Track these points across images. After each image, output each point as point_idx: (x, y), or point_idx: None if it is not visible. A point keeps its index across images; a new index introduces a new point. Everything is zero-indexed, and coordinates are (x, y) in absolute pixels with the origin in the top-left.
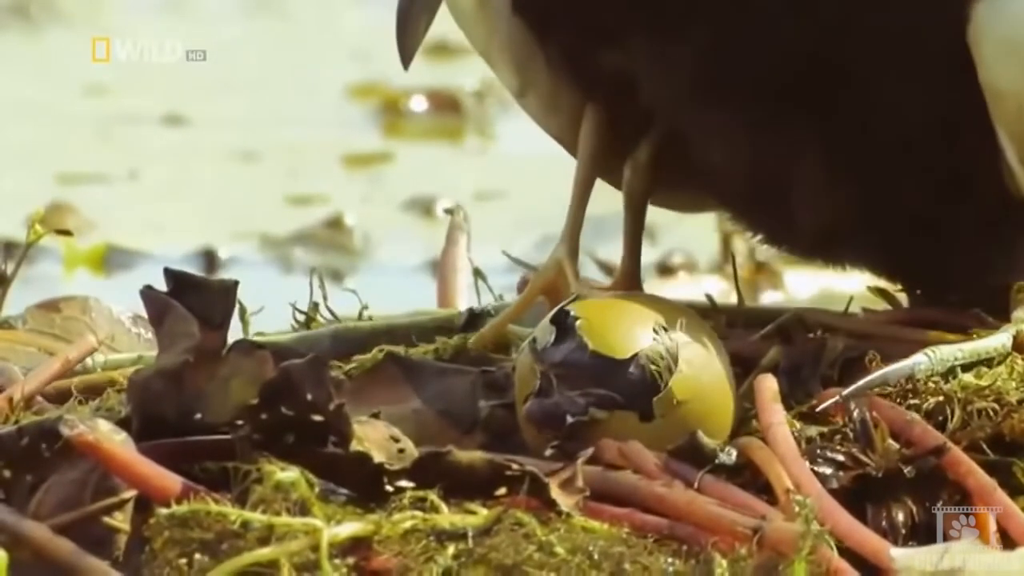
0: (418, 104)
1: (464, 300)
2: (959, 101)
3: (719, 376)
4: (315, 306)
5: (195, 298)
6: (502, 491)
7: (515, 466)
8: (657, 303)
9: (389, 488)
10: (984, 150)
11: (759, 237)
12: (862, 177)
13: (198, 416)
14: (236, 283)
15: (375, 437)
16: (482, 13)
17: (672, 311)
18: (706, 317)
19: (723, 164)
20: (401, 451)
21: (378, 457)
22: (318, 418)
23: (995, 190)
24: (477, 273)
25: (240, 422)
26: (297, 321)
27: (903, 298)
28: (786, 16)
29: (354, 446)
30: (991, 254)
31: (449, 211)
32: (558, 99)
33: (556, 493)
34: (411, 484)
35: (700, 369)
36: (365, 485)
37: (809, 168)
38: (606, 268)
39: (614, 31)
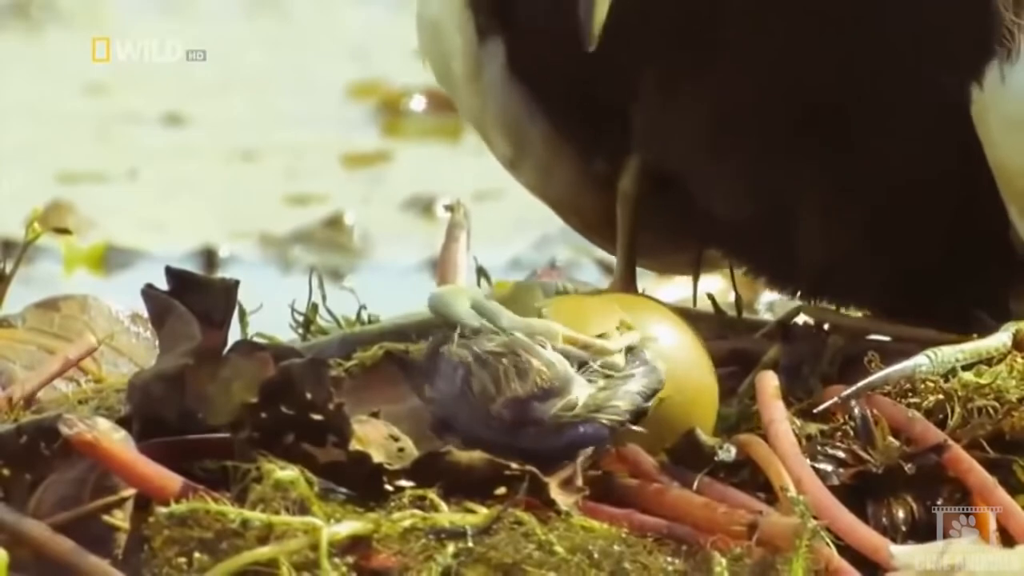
0: (417, 104)
1: None
2: (965, 160)
3: (694, 365)
4: (314, 307)
5: (196, 297)
6: (501, 490)
7: (514, 465)
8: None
9: (389, 487)
10: (989, 208)
11: (762, 278)
12: (866, 220)
13: (199, 418)
14: (237, 282)
15: (374, 436)
16: (475, 86)
17: (643, 308)
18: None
19: (727, 206)
20: (401, 450)
21: (377, 457)
22: (318, 417)
23: (999, 247)
24: (480, 272)
25: (241, 423)
26: (296, 322)
27: None
28: (793, 66)
29: (353, 445)
30: (992, 303)
31: (449, 208)
32: (554, 168)
33: (556, 493)
34: (411, 484)
35: (674, 363)
36: (365, 484)
37: (813, 210)
38: (605, 268)
39: (620, 77)
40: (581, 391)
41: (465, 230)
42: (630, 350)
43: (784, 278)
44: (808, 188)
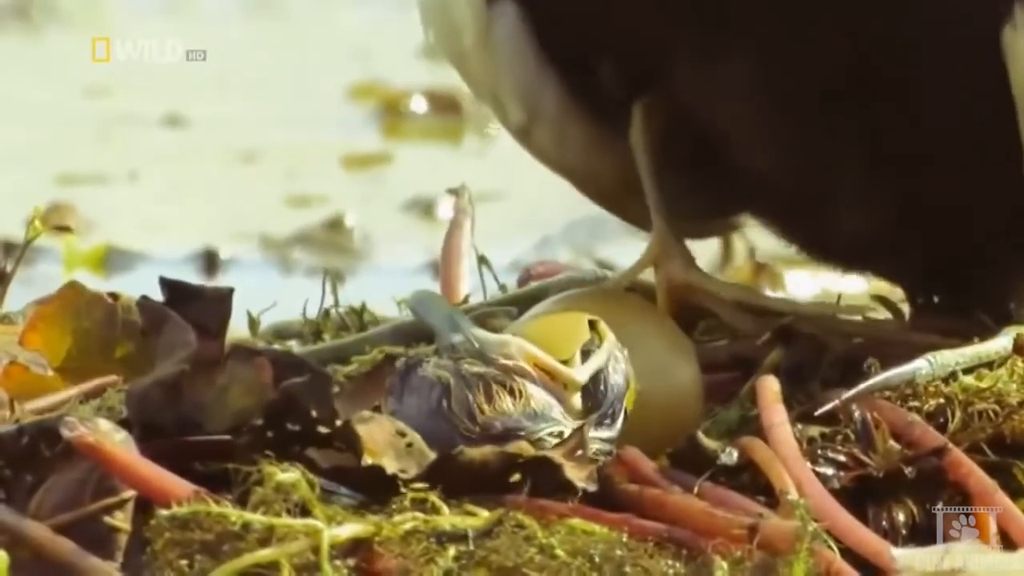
0: (418, 105)
1: (466, 286)
2: (1007, 117)
3: (667, 358)
4: (326, 313)
5: (191, 307)
6: (516, 477)
7: (526, 454)
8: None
9: (404, 490)
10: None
11: (794, 245)
12: (907, 183)
13: (197, 424)
14: (231, 291)
15: (380, 436)
16: (486, 53)
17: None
18: None
19: (764, 169)
20: (409, 445)
21: (391, 467)
22: (325, 430)
23: None
24: (482, 260)
25: (241, 431)
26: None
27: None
28: (831, 24)
29: (366, 460)
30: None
31: (453, 191)
32: (567, 131)
33: (569, 470)
34: (426, 485)
35: (648, 357)
36: (378, 490)
37: (854, 173)
38: (606, 268)
39: (654, 41)
40: (566, 425)
41: (469, 216)
42: (596, 374)
43: (818, 245)
44: (849, 144)
